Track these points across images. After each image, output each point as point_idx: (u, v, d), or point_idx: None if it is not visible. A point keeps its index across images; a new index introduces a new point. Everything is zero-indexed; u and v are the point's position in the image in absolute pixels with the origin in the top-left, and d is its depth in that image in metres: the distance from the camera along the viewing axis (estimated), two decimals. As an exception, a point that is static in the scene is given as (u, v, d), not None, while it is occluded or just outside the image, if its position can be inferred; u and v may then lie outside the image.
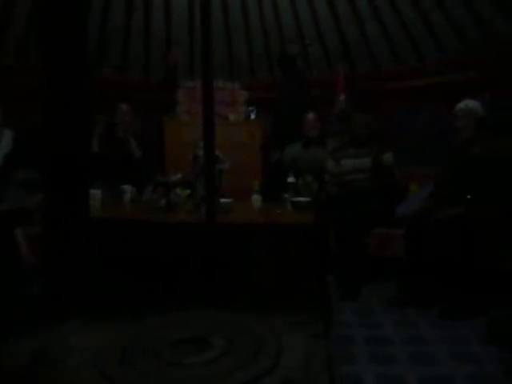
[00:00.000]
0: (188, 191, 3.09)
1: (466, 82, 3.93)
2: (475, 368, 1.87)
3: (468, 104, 2.83)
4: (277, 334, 1.47)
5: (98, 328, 1.56)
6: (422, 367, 1.89)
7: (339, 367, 1.83)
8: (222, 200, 2.79)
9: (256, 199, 3.10)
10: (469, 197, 2.62)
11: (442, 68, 4.23)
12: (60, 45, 1.75)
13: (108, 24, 4.38)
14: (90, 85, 1.90)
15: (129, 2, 4.30)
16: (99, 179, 3.09)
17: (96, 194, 2.97)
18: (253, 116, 4.55)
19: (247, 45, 4.78)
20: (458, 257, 2.47)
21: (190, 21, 4.54)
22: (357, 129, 3.44)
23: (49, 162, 1.79)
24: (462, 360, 1.94)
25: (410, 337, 2.21)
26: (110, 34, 4.44)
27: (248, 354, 1.35)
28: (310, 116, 3.84)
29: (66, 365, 1.35)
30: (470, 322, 2.33)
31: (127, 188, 3.29)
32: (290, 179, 3.12)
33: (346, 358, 1.96)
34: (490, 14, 3.67)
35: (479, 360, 1.94)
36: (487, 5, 3.62)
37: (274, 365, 1.27)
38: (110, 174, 3.55)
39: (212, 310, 1.74)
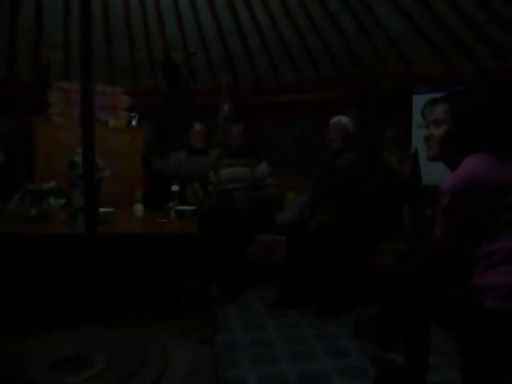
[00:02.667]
0: (63, 200, 2.87)
1: (336, 99, 4.28)
2: (345, 361, 2.07)
3: (340, 119, 3.11)
4: (163, 343, 1.45)
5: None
6: (301, 364, 2.03)
7: (225, 372, 1.86)
8: (102, 209, 2.65)
9: (138, 208, 3.00)
10: (334, 205, 2.87)
11: (317, 85, 4.57)
12: None
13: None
14: None
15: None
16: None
17: (-49, 203, 2.61)
18: (134, 122, 4.41)
19: (129, 48, 4.62)
20: (330, 261, 2.70)
21: (65, 18, 4.24)
22: (231, 138, 3.59)
23: None
24: (334, 355, 2.13)
25: (290, 337, 2.35)
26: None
27: (131, 367, 1.31)
28: (197, 127, 3.86)
29: None
30: (340, 320, 2.57)
31: (-11, 197, 2.95)
32: (174, 188, 3.08)
33: (231, 362, 2.00)
34: (357, 36, 4.07)
35: (348, 354, 2.15)
36: (356, 30, 4.01)
37: (161, 375, 1.25)
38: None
39: (92, 326, 1.65)
